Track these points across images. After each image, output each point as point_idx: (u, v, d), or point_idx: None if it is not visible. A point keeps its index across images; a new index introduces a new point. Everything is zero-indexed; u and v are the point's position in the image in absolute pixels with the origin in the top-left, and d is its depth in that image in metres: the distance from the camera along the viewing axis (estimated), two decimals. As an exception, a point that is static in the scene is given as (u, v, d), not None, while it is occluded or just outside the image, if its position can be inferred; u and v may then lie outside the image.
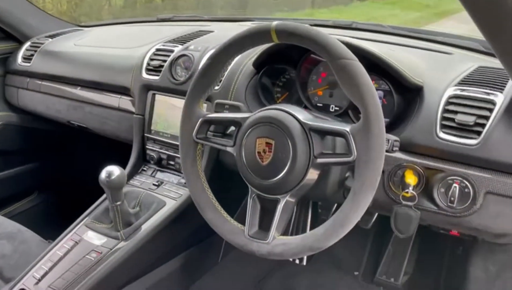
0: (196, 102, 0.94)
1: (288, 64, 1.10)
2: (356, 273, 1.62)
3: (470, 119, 0.84)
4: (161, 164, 1.30)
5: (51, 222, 1.78)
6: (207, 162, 1.15)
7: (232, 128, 1.02)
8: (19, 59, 1.69)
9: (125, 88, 1.36)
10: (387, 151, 0.75)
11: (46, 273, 1.03)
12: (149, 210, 1.17)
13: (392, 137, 0.80)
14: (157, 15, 1.84)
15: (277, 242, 0.81)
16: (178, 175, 1.27)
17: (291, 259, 1.58)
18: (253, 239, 0.84)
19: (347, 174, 0.93)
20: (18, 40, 1.76)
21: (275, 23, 0.80)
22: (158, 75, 1.28)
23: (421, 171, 0.90)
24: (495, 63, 1.06)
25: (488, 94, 0.87)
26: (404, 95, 0.96)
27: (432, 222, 0.93)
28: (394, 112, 0.96)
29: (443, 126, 0.87)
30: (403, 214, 0.89)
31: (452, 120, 0.86)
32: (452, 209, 0.87)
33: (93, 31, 1.80)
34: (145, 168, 1.33)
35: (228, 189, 1.18)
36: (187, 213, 1.18)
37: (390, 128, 0.95)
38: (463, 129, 0.85)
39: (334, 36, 0.76)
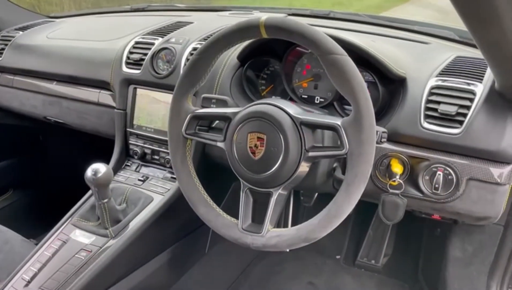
0: (184, 98, 0.93)
1: (273, 56, 1.10)
2: (338, 257, 1.67)
3: (452, 109, 0.88)
4: (145, 159, 1.29)
5: (29, 221, 1.74)
6: (193, 156, 1.15)
7: (218, 122, 1.03)
8: (-12, 53, 1.62)
9: (104, 83, 1.34)
10: (376, 142, 0.78)
11: (35, 275, 1.01)
12: (136, 206, 1.16)
13: (380, 128, 0.82)
14: (131, 5, 1.80)
15: (272, 234, 0.83)
16: (163, 170, 1.26)
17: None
18: (247, 232, 0.85)
19: (334, 165, 0.96)
20: (-14, 34, 1.69)
21: (264, 18, 0.80)
22: (139, 69, 1.26)
23: (406, 160, 0.93)
24: (471, 52, 1.11)
25: (468, 84, 0.91)
26: (388, 86, 0.99)
27: (417, 208, 0.97)
28: (379, 103, 0.98)
29: (426, 116, 0.90)
30: (391, 202, 0.93)
31: (435, 110, 0.90)
32: (436, 196, 0.91)
33: (65, 23, 1.74)
34: (128, 163, 1.32)
35: (212, 181, 1.19)
36: (175, 207, 1.18)
37: (375, 119, 0.97)
38: (446, 119, 0.89)
39: (317, 28, 0.77)
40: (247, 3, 1.71)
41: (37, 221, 1.81)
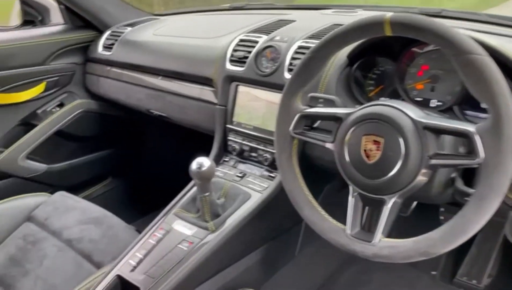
0: (294, 97, 0.92)
1: (387, 55, 1.05)
2: (433, 272, 1.56)
3: None
4: (243, 155, 1.30)
5: (126, 207, 1.84)
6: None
7: (320, 122, 1.00)
8: (100, 47, 1.74)
9: (207, 79, 1.36)
10: None
11: (140, 261, 1.05)
12: (235, 201, 1.17)
13: None
14: (231, 4, 1.83)
15: (384, 244, 0.78)
16: (260, 167, 1.26)
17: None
18: (357, 240, 0.81)
19: (453, 175, 0.88)
20: (98, 29, 1.81)
21: (389, 14, 0.76)
22: (242, 66, 1.26)
23: None
24: None
25: None
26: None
27: None
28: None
29: None
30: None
31: None
32: None
33: (169, 20, 1.82)
34: (226, 159, 1.33)
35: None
36: (271, 206, 1.17)
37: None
38: None
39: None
40: (348, 1, 1.66)
41: (134, 207, 1.91)
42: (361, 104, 0.86)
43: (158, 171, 1.97)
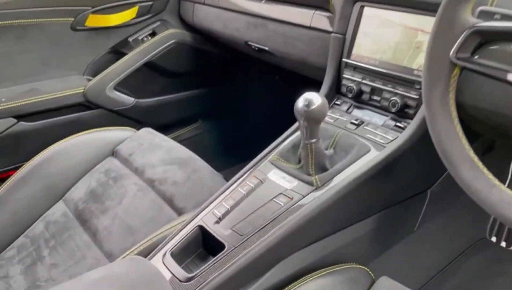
0: (462, 5, 0.62)
1: None
2: None
3: None
4: (361, 98, 1.03)
5: (216, 153, 1.68)
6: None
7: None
8: (196, -29, 1.53)
9: (322, 1, 1.09)
10: None
11: (227, 212, 0.86)
12: (347, 154, 0.92)
13: None
14: None
15: None
16: (384, 115, 0.99)
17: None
18: None
19: None
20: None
21: None
22: (372, -19, 0.97)
23: None
24: None
25: None
26: None
27: None
28: None
29: None
30: None
31: None
32: None
33: None
34: (338, 102, 1.07)
35: None
36: (397, 165, 0.90)
37: None
38: None
39: None
40: None
41: (223, 155, 1.75)
42: None
43: (252, 117, 1.77)
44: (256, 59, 1.51)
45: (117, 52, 1.57)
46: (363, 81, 1.01)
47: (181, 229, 0.89)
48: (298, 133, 1.00)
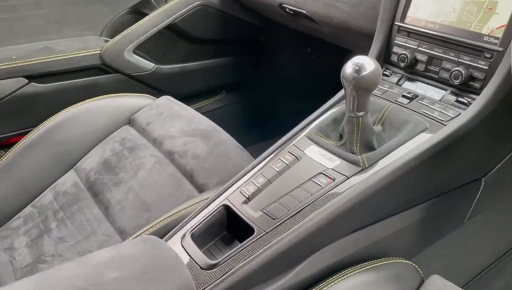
0: None
1: None
2: None
3: None
4: (415, 69, 0.89)
5: (241, 129, 1.56)
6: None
7: None
8: None
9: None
10: None
11: (257, 192, 0.74)
12: (399, 131, 0.79)
13: None
14: None
15: None
16: (443, 89, 0.85)
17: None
18: None
19: None
20: None
21: None
22: None
23: None
24: None
25: None
26: None
27: None
28: None
29: None
30: None
31: None
32: None
33: None
34: (386, 72, 0.93)
35: None
36: (455, 148, 0.77)
37: None
38: None
39: None
40: None
41: (249, 131, 1.63)
42: None
43: (280, 91, 1.64)
44: (288, 28, 1.37)
45: (138, 12, 1.46)
46: (419, 48, 0.87)
47: (203, 208, 0.78)
48: (340, 105, 0.87)
